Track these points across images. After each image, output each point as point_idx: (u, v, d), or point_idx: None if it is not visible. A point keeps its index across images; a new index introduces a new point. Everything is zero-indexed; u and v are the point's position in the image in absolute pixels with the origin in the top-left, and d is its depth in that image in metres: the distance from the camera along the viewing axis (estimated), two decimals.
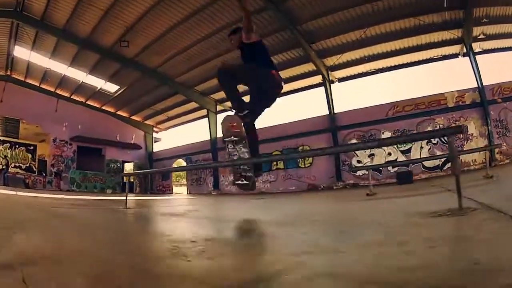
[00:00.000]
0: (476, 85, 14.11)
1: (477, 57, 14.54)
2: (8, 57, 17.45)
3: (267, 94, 4.08)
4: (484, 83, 14.01)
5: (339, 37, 14.99)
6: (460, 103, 14.41)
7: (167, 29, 14.61)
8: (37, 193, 12.50)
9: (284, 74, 17.34)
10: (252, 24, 4.01)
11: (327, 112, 16.91)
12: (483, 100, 13.86)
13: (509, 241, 1.64)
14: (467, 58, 14.78)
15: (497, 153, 13.38)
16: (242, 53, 4.29)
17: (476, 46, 14.72)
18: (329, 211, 5.62)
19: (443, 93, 14.79)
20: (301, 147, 17.31)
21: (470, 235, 1.90)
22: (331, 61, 16.56)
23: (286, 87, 18.46)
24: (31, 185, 18.54)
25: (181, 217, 5.13)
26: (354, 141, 15.98)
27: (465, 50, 14.86)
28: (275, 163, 17.81)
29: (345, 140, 16.21)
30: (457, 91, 14.62)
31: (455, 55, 15.82)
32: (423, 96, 15.16)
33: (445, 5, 12.51)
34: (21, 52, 17.09)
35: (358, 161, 15.88)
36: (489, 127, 13.72)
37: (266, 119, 29.38)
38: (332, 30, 14.51)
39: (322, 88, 17.30)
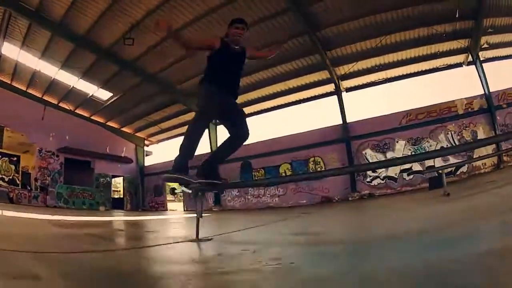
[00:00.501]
0: (483, 92, 14.46)
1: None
2: None
3: None
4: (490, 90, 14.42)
5: (355, 45, 14.89)
6: (469, 109, 14.64)
7: (177, 29, 13.29)
8: (24, 210, 11.08)
9: (296, 82, 17.30)
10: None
11: (338, 121, 16.56)
12: (490, 106, 14.19)
13: None
14: (472, 66, 15.22)
15: (505, 155, 13.65)
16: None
17: (480, 55, 15.03)
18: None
19: (453, 100, 14.97)
20: (312, 159, 16.85)
21: None
22: (342, 70, 16.40)
23: (297, 96, 18.51)
24: (16, 200, 16.76)
25: None
26: (368, 150, 15.75)
27: (470, 59, 15.26)
28: (284, 175, 17.17)
29: (358, 150, 15.90)
30: (465, 98, 14.84)
31: (459, 65, 16.16)
32: (435, 104, 15.26)
33: (457, 16, 12.82)
34: (10, 50, 15.61)
35: (373, 171, 15.52)
36: (497, 132, 13.98)
37: (272, 131, 28.81)
38: (352, 37, 14.35)
39: (332, 97, 17.10)
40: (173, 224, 9.46)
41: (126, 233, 6.76)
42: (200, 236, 4.24)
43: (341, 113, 16.47)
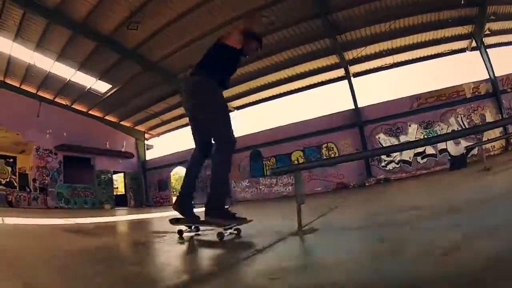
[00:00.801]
0: (488, 77, 14.89)
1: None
2: None
3: None
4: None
5: (364, 29, 14.87)
6: (476, 93, 14.97)
7: (176, 16, 13.14)
8: (27, 215, 9.87)
9: (307, 66, 17.17)
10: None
11: (350, 106, 16.60)
12: (496, 90, 14.58)
13: None
14: (475, 52, 15.75)
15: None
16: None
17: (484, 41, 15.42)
18: None
19: (461, 84, 15.24)
20: (324, 145, 16.75)
21: None
22: (351, 54, 16.33)
23: (307, 81, 18.34)
24: (15, 203, 15.90)
25: None
26: (381, 134, 15.83)
27: (474, 45, 15.70)
28: (296, 163, 16.94)
29: (372, 134, 15.97)
30: (472, 82, 15.16)
31: (462, 50, 16.54)
32: (444, 88, 15.51)
33: (462, 2, 13.15)
34: (3, 44, 14.48)
35: (388, 155, 15.64)
36: (503, 115, 14.35)
37: (282, 117, 28.62)
38: (361, 21, 14.29)
39: (341, 82, 17.22)
40: None
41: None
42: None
43: (353, 98, 16.47)
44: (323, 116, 17.45)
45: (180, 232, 3.23)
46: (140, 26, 13.31)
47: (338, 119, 16.82)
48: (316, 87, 18.71)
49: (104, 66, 16.48)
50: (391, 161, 15.56)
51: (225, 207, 3.12)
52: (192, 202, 3.38)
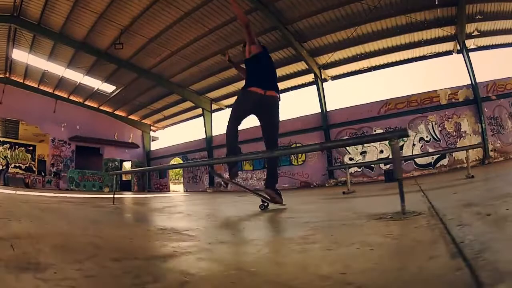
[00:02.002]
0: (469, 82, 14.22)
1: (472, 54, 14.81)
2: (6, 60, 17.96)
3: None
4: (479, 80, 14.13)
5: (330, 36, 15.29)
6: (453, 100, 14.55)
7: (161, 31, 15.12)
8: (35, 192, 13.04)
9: (279, 72, 17.82)
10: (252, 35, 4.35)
11: (319, 110, 17.19)
12: (476, 97, 13.95)
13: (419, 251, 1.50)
14: (460, 55, 14.87)
15: (491, 150, 13.60)
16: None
17: (471, 43, 14.90)
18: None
19: (436, 90, 14.96)
20: (294, 145, 17.51)
21: (387, 242, 1.76)
22: (323, 59, 16.80)
23: (280, 86, 19.22)
24: (31, 185, 19.06)
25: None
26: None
27: (459, 47, 14.97)
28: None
29: (336, 138, 16.33)
30: (449, 88, 14.77)
31: (449, 52, 15.97)
32: (416, 94, 15.33)
33: (436, 2, 12.84)
34: (19, 55, 17.60)
35: (351, 159, 16.22)
36: (483, 125, 13.79)
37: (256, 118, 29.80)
38: (323, 29, 14.81)
39: (314, 86, 17.61)
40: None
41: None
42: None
43: (320, 102, 17.07)
44: (295, 118, 18.25)
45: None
46: (129, 41, 15.84)
47: (307, 122, 17.64)
48: (288, 91, 19.51)
49: (106, 73, 19.07)
50: (353, 165, 16.07)
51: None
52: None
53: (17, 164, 20.69)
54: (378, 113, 16.02)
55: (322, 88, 17.38)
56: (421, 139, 15.19)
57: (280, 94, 4.41)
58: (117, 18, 14.65)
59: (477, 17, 13.75)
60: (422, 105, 15.16)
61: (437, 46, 15.88)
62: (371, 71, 17.86)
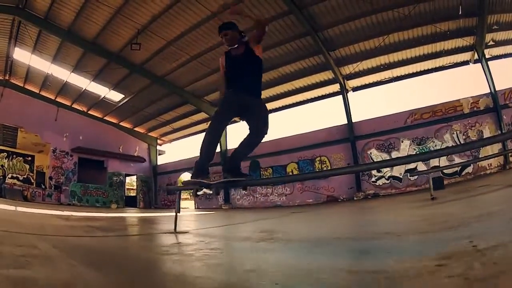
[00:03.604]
0: (489, 91, 14.49)
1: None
2: (7, 60, 16.84)
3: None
4: (497, 89, 14.36)
5: (358, 45, 15.21)
6: (475, 108, 14.66)
7: (182, 32, 14.35)
8: (38, 207, 11.80)
9: (302, 82, 17.74)
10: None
11: (344, 121, 16.88)
12: (496, 105, 14.18)
13: None
14: (478, 64, 15.32)
15: (511, 155, 13.70)
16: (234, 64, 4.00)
17: (486, 53, 15.08)
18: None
19: (459, 99, 15.04)
20: (318, 158, 17.21)
21: None
22: (347, 69, 16.68)
23: (304, 96, 19.19)
24: (30, 198, 17.77)
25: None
26: (373, 150, 16.02)
27: (476, 57, 15.32)
28: (291, 174, 17.72)
29: (364, 149, 16.18)
30: (471, 97, 14.88)
31: (466, 62, 16.19)
32: (440, 103, 15.34)
33: (460, 13, 12.92)
34: (21, 55, 16.52)
35: (378, 171, 15.88)
36: (503, 131, 13.81)
37: (279, 130, 29.33)
38: (352, 37, 14.72)
39: (338, 97, 17.49)
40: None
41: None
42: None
43: (346, 113, 16.78)
44: (318, 130, 17.91)
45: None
46: (145, 43, 14.71)
47: (332, 133, 17.22)
48: (313, 101, 19.20)
49: (115, 78, 18.06)
50: (381, 177, 15.68)
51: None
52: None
53: (14, 175, 19.33)
54: (404, 124, 15.84)
55: (348, 99, 17.15)
56: (446, 147, 15.06)
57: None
58: (135, 16, 13.72)
59: (494, 27, 14.05)
60: (446, 114, 15.17)
61: (455, 56, 16.09)
62: (392, 82, 17.80)
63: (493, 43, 14.95)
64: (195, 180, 3.80)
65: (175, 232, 4.83)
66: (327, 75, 17.19)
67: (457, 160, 14.20)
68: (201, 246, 3.86)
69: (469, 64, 16.31)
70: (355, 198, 15.77)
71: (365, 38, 14.85)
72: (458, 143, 14.78)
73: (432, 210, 6.25)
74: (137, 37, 14.37)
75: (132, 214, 11.88)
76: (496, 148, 13.70)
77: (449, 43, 15.19)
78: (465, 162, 13.19)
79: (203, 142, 3.73)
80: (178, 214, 5.26)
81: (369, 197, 15.53)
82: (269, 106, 19.87)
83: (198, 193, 4.18)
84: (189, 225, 6.99)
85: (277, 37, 14.56)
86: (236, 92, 3.82)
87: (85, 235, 4.55)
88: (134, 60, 16.55)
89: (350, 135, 16.63)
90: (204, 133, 3.79)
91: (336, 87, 17.63)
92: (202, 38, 14.81)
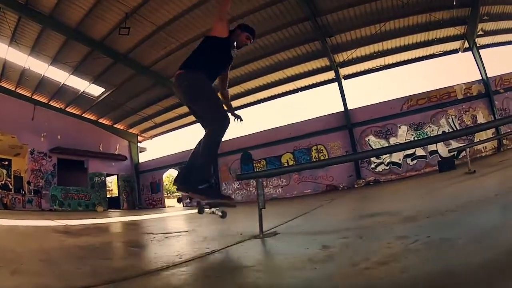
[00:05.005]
0: (480, 77, 15.26)
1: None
2: None
3: None
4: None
5: (354, 32, 15.30)
6: (468, 94, 15.31)
7: (175, 16, 13.51)
8: (21, 216, 10.37)
9: (298, 69, 17.65)
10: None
11: (339, 109, 17.02)
12: (488, 91, 14.92)
13: None
14: (468, 53, 16.11)
15: (504, 138, 14.47)
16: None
17: (476, 42, 15.77)
18: None
19: (453, 85, 15.60)
20: (314, 147, 17.20)
21: None
22: (341, 57, 16.81)
23: (297, 84, 19.05)
24: (10, 205, 16.54)
25: None
26: (371, 136, 16.26)
27: (466, 46, 16.06)
28: (286, 165, 17.47)
29: (361, 136, 16.37)
30: (464, 83, 15.49)
31: (455, 51, 16.98)
32: (435, 90, 15.84)
33: (454, 3, 13.48)
34: None
35: (378, 157, 15.97)
36: (496, 116, 14.70)
37: (272, 120, 29.00)
38: (350, 24, 14.77)
39: (331, 85, 17.75)
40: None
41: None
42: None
43: (343, 100, 16.88)
44: (313, 118, 17.86)
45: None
46: (131, 31, 13.73)
47: (328, 121, 17.24)
48: (307, 89, 19.15)
49: (97, 70, 17.05)
50: (380, 163, 15.96)
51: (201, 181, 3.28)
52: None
53: None
54: (401, 110, 16.15)
55: (342, 86, 17.23)
56: (444, 132, 15.48)
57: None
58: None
59: (484, 18, 14.75)
60: (441, 100, 15.68)
61: (446, 44, 16.73)
62: (383, 69, 18.22)
63: (482, 32, 15.64)
64: (199, 195, 3.35)
65: (262, 235, 3.68)
66: (321, 62, 17.24)
67: (454, 144, 14.48)
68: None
69: (458, 52, 17.11)
70: (355, 186, 15.88)
71: (362, 25, 14.99)
72: (454, 127, 15.43)
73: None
74: (126, 21, 13.50)
75: (131, 217, 11.10)
76: (490, 132, 14.28)
77: (442, 31, 15.77)
78: (473, 144, 13.37)
79: (210, 142, 3.26)
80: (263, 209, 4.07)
81: (371, 183, 15.69)
82: (261, 95, 19.89)
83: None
84: (237, 225, 5.35)
85: (274, 22, 14.34)
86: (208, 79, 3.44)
87: (146, 270, 2.57)
88: (119, 48, 15.67)
89: (348, 122, 16.71)
90: (209, 133, 3.27)
91: (331, 75, 17.74)
92: (195, 23, 14.03)
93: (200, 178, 3.26)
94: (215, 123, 3.22)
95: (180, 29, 14.47)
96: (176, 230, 4.21)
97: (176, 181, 3.37)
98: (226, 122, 3.25)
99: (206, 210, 3.60)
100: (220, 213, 3.57)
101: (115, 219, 11.20)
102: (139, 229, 5.95)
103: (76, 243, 4.41)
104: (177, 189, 3.41)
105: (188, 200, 3.63)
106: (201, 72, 3.33)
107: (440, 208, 3.64)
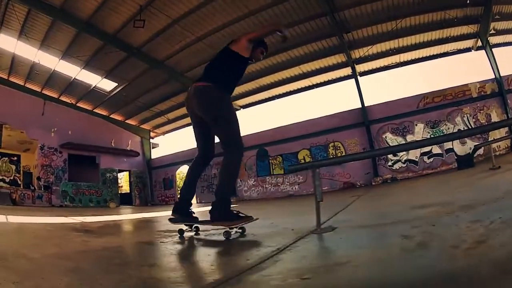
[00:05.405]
0: (494, 76, 14.10)
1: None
2: None
3: None
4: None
5: (370, 28, 14.04)
6: (482, 93, 14.15)
7: (190, 9, 12.09)
8: (32, 213, 8.81)
9: (314, 65, 16.29)
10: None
11: (356, 105, 15.75)
12: (501, 90, 13.81)
13: None
14: (480, 51, 14.99)
15: None
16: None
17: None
18: None
19: (467, 84, 14.42)
20: (331, 144, 15.82)
21: None
22: (357, 53, 15.52)
23: (315, 79, 17.40)
24: (19, 201, 14.86)
25: None
26: (388, 134, 14.92)
27: (479, 44, 14.90)
28: (302, 162, 15.91)
29: (378, 133, 15.04)
30: (478, 82, 14.35)
31: (468, 49, 15.81)
32: (450, 88, 14.64)
33: (467, 1, 12.57)
34: (7, 42, 13.66)
35: (395, 155, 14.75)
36: (509, 115, 13.63)
37: (290, 116, 27.76)
38: (368, 20, 13.49)
39: (347, 81, 16.58)
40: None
41: None
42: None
43: (360, 97, 15.56)
44: (330, 115, 16.48)
45: (180, 232, 3.28)
46: (146, 24, 12.32)
47: (345, 118, 15.88)
48: (323, 85, 17.80)
49: (109, 64, 15.56)
50: (397, 161, 14.69)
51: (230, 207, 3.09)
52: (190, 207, 3.36)
53: (0, 177, 15.99)
54: (417, 107, 14.82)
55: (359, 83, 15.87)
56: (459, 131, 14.37)
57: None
58: None
59: (496, 17, 13.72)
60: (456, 98, 14.43)
61: (459, 43, 15.53)
62: (398, 67, 16.97)
63: (494, 31, 14.60)
64: (235, 224, 2.99)
65: (320, 230, 2.90)
66: (338, 58, 15.93)
67: (469, 142, 13.69)
68: None
69: (471, 51, 16.00)
70: (373, 183, 14.48)
71: (379, 22, 13.74)
72: (469, 126, 14.24)
73: None
74: (140, 13, 11.99)
75: (148, 214, 9.27)
76: (503, 131, 13.22)
77: (456, 29, 14.66)
78: (498, 140, 12.10)
79: (231, 170, 3.14)
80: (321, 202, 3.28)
81: (388, 181, 14.41)
82: (277, 91, 18.57)
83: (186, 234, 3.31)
84: (276, 221, 4.38)
85: (291, 17, 12.90)
86: None
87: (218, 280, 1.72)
88: (133, 42, 14.10)
89: (365, 119, 15.38)
90: (229, 156, 3.12)
91: (347, 71, 16.54)
92: (212, 17, 12.66)
93: (229, 206, 3.10)
94: (237, 148, 3.13)
95: (196, 22, 13.00)
96: (213, 228, 3.43)
97: (212, 217, 3.09)
98: (243, 149, 3.21)
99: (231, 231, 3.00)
100: (240, 231, 3.13)
101: (132, 215, 9.68)
102: (166, 227, 4.43)
103: (102, 245, 3.26)
104: (213, 223, 3.11)
105: (234, 231, 3.02)
106: (227, 92, 3.23)
107: (489, 197, 3.46)
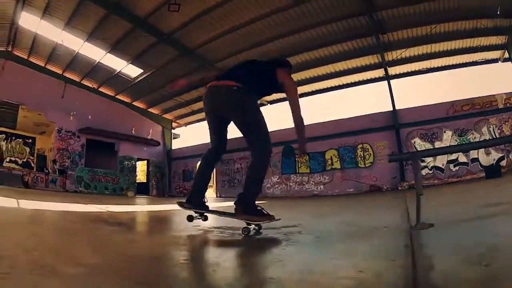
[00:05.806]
0: None
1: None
2: (11, 27, 12.26)
3: None
4: None
5: (406, 31, 12.67)
6: (508, 104, 12.90)
7: (222, 1, 10.63)
8: (46, 198, 7.10)
9: (346, 64, 14.84)
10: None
11: (387, 108, 14.38)
12: None
13: None
14: (507, 63, 13.64)
15: None
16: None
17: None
18: None
19: (494, 94, 13.16)
20: (360, 146, 14.38)
21: None
22: (390, 56, 14.04)
23: (345, 79, 15.70)
24: (31, 184, 13.27)
25: None
26: (417, 139, 13.56)
27: (506, 56, 13.59)
28: (329, 162, 14.71)
29: (407, 138, 13.68)
30: (505, 93, 13.08)
31: (495, 60, 14.54)
32: (477, 97, 13.36)
33: (498, 12, 11.41)
34: (29, 21, 12.05)
35: (422, 160, 13.44)
36: None
37: (318, 114, 25.95)
38: (405, 22, 12.12)
39: (380, 83, 15.07)
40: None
41: None
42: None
43: (391, 100, 14.20)
44: (359, 116, 15.08)
45: (190, 218, 3.09)
46: (180, 9, 10.76)
47: (374, 120, 14.47)
48: (354, 86, 16.32)
49: (137, 50, 13.87)
50: (424, 167, 13.27)
51: (256, 203, 2.79)
52: (203, 198, 3.02)
53: (13, 159, 14.21)
54: (446, 114, 13.48)
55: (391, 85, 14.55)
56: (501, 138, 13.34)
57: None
58: None
59: None
60: (484, 108, 13.16)
61: (487, 53, 14.20)
62: (428, 72, 15.53)
63: None
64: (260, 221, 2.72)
65: (416, 227, 2.37)
66: (371, 59, 14.43)
67: (493, 153, 12.51)
68: None
69: (498, 62, 14.68)
70: (399, 188, 13.11)
71: (415, 25, 12.40)
72: (494, 136, 12.88)
73: None
74: None
75: (171, 206, 7.49)
76: None
77: (485, 39, 13.37)
78: None
79: (259, 169, 2.85)
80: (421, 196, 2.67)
81: (414, 187, 12.55)
82: (307, 88, 16.81)
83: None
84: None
85: (330, 13, 11.53)
86: None
87: None
88: (164, 27, 12.46)
89: (395, 122, 14.01)
90: (258, 155, 2.82)
91: (379, 73, 15.05)
92: (250, 7, 11.12)
93: (255, 202, 2.80)
94: (266, 151, 2.89)
95: (232, 11, 11.46)
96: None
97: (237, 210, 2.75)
98: (271, 151, 2.99)
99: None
100: (257, 228, 2.80)
101: (158, 206, 8.11)
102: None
103: (158, 248, 2.12)
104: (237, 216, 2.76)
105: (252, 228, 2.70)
106: (255, 96, 3.06)
107: None
